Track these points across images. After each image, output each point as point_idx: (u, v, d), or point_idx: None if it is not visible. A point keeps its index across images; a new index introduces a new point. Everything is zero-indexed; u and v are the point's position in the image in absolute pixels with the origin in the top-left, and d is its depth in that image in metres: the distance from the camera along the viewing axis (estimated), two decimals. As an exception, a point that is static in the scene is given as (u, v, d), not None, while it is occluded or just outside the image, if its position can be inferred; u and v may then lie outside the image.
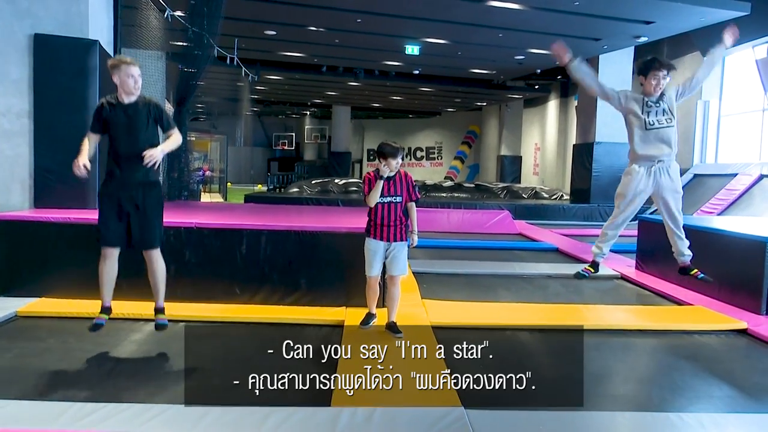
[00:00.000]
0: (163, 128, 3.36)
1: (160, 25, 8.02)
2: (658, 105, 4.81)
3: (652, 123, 4.77)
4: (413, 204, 4.25)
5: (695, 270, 5.07)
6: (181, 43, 8.88)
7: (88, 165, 3.31)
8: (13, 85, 5.48)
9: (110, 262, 3.53)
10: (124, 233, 3.40)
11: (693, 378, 3.74)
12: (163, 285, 3.72)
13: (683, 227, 5.00)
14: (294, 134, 33.52)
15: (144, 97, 3.30)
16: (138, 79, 3.19)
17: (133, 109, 3.22)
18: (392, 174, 4.14)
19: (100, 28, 5.97)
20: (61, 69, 5.51)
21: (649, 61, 4.81)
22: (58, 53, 5.51)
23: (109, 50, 6.29)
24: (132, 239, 3.47)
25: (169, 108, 10.72)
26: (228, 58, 12.84)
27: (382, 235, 4.18)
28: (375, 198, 4.09)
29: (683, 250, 5.04)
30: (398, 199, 4.16)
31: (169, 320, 4.53)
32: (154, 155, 3.19)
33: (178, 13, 7.79)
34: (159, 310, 3.86)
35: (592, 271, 5.38)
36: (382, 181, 4.05)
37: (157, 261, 3.57)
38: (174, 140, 3.41)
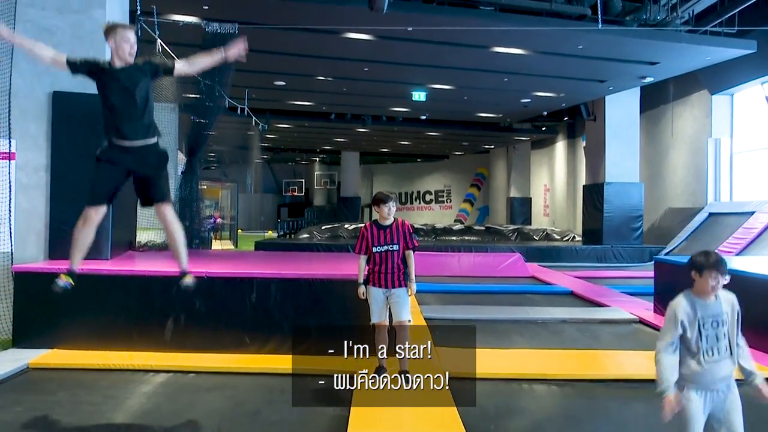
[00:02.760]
0: (168, 70, 3.28)
1: (173, 78, 8.22)
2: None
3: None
4: (411, 252, 4.27)
5: None
6: (193, 95, 9.10)
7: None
8: (31, 140, 5.61)
9: (92, 225, 3.47)
10: (113, 194, 3.36)
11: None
12: (182, 245, 3.64)
13: None
14: (303, 180, 33.85)
15: (138, 61, 3.24)
16: (134, 44, 3.15)
17: (126, 73, 3.19)
18: (389, 222, 4.23)
19: (115, 83, 6.13)
20: (77, 124, 5.63)
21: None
22: (75, 109, 5.64)
23: (124, 104, 6.45)
24: (143, 197, 3.42)
25: (181, 158, 10.90)
26: (239, 108, 13.13)
27: (380, 282, 4.21)
28: (360, 269, 4.31)
29: None
30: (395, 247, 4.20)
31: (177, 371, 4.51)
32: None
33: (191, 66, 8.02)
34: (183, 274, 3.74)
35: None
36: (365, 263, 4.30)
37: (170, 216, 3.52)
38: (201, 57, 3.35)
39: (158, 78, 3.38)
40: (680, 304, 2.91)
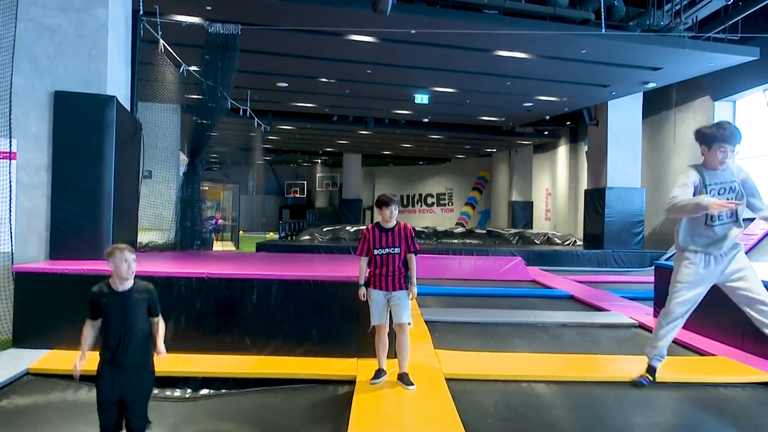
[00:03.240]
0: (153, 314, 3.27)
1: (175, 79, 8.26)
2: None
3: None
4: (413, 255, 4.28)
5: None
6: (195, 96, 9.10)
7: (79, 368, 3.22)
8: (32, 140, 5.61)
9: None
10: (119, 417, 3.29)
11: (718, 433, 3.60)
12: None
13: None
14: (305, 182, 33.88)
15: (139, 283, 3.27)
16: (132, 264, 3.18)
17: (128, 296, 3.20)
18: (391, 225, 4.24)
19: (117, 84, 6.15)
20: (79, 124, 5.65)
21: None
22: (77, 109, 5.66)
23: (127, 105, 6.47)
24: (124, 421, 3.33)
25: (183, 159, 10.91)
26: (241, 110, 13.13)
27: (381, 285, 4.21)
28: (361, 271, 4.31)
29: None
30: (396, 250, 4.21)
31: (177, 373, 4.49)
32: (163, 353, 3.21)
33: (193, 67, 8.02)
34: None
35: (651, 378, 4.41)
36: (366, 265, 4.30)
37: None
38: (162, 328, 3.34)
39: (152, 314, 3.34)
40: (690, 171, 3.02)
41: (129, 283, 3.19)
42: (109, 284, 3.20)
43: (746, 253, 11.78)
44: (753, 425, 3.77)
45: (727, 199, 3.16)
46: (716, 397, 4.27)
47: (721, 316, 5.56)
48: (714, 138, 3.23)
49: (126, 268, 3.14)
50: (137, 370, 3.16)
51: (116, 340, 3.12)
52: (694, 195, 3.12)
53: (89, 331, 3.20)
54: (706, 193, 3.11)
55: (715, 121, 14.09)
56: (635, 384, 4.38)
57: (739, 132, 3.15)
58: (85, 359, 3.15)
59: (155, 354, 3.23)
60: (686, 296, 3.48)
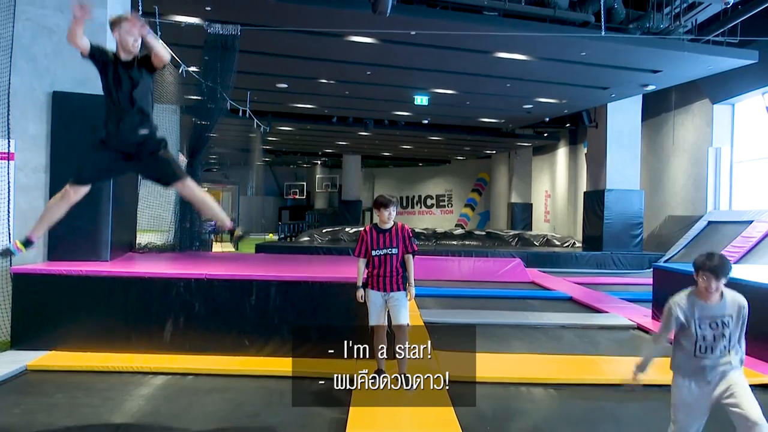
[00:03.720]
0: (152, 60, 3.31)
1: (174, 79, 8.25)
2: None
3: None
4: (410, 256, 4.28)
5: None
6: (195, 97, 9.11)
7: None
8: (30, 141, 5.60)
9: (68, 203, 3.39)
10: (98, 180, 3.38)
11: (717, 435, 3.58)
12: (217, 209, 3.59)
13: None
14: (305, 183, 33.85)
15: (141, 53, 3.33)
16: (138, 37, 3.23)
17: (130, 64, 3.27)
18: (388, 226, 4.24)
19: (117, 84, 6.13)
20: (77, 124, 5.63)
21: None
22: (75, 109, 5.64)
23: (125, 105, 6.44)
24: (159, 180, 3.49)
25: (182, 159, 10.89)
26: (240, 111, 13.13)
27: (379, 286, 4.22)
28: (359, 272, 4.31)
29: None
30: (394, 251, 4.21)
31: (176, 374, 4.49)
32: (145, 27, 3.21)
33: (193, 68, 8.01)
34: (232, 231, 3.70)
35: None
36: (364, 266, 4.30)
37: (191, 191, 3.47)
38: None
39: (156, 70, 3.40)
40: (678, 301, 2.91)
41: (131, 56, 3.25)
42: (115, 54, 3.28)
43: (745, 254, 11.69)
44: (752, 428, 3.75)
45: (704, 337, 2.88)
46: (715, 400, 4.26)
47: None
48: (698, 266, 2.92)
49: (131, 41, 3.20)
50: (144, 137, 3.27)
51: (120, 106, 3.24)
52: (684, 328, 2.98)
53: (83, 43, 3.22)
54: (695, 326, 2.90)
55: (714, 124, 14.15)
56: None
57: (728, 265, 2.90)
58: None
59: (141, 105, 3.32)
60: (683, 422, 3.07)
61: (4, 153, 5.51)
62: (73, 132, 5.62)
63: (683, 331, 2.97)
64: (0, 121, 5.45)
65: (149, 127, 3.38)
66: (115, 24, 3.25)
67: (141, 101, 3.34)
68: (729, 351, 2.94)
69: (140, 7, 6.90)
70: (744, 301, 2.95)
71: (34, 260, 5.54)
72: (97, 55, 3.29)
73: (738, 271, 6.93)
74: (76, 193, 3.40)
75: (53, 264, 5.36)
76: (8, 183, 5.51)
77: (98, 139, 3.37)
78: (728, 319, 2.91)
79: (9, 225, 5.51)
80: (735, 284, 5.75)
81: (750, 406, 2.90)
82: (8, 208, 5.51)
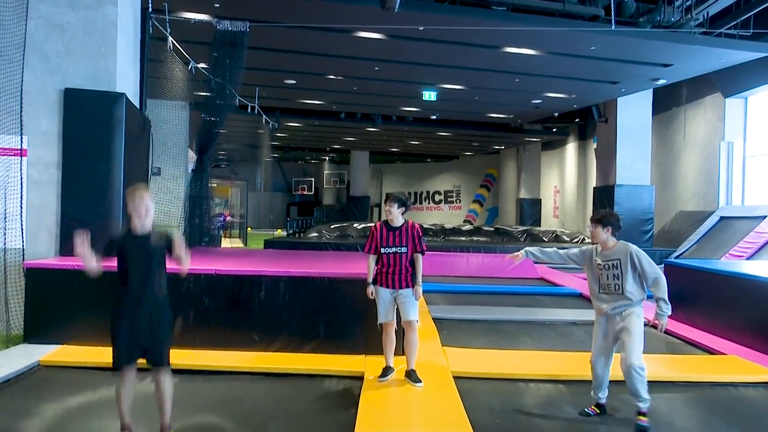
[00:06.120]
0: (172, 250, 3.36)
1: (184, 76, 8.28)
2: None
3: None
4: (419, 255, 4.27)
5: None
6: (204, 93, 9.13)
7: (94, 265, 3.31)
8: (42, 137, 5.64)
9: (128, 383, 3.38)
10: (138, 350, 3.35)
11: (728, 432, 3.57)
12: (170, 403, 3.42)
13: None
14: (313, 179, 33.92)
15: (156, 230, 3.38)
16: (150, 204, 3.29)
17: (146, 239, 3.31)
18: (399, 224, 4.25)
19: (126, 81, 6.17)
20: (89, 121, 5.68)
21: None
22: (87, 106, 5.69)
23: (135, 102, 6.49)
24: (146, 357, 3.39)
25: (191, 156, 10.94)
26: (249, 107, 13.16)
27: (388, 283, 4.23)
28: (369, 268, 4.34)
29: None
30: (403, 249, 4.22)
31: (187, 370, 4.51)
32: (182, 245, 3.31)
33: (202, 65, 8.03)
34: (165, 428, 3.46)
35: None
36: (374, 263, 4.32)
37: (166, 380, 3.38)
38: (183, 243, 3.39)
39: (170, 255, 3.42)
40: (586, 247, 3.90)
41: (147, 226, 3.30)
42: (128, 229, 3.34)
43: (758, 250, 11.55)
44: (765, 427, 3.74)
45: (601, 278, 3.78)
46: (726, 397, 4.24)
47: (731, 314, 5.52)
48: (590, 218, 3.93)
49: (144, 209, 3.25)
50: (154, 308, 3.28)
51: (134, 279, 3.27)
52: (589, 270, 3.90)
53: (95, 258, 3.30)
54: (595, 269, 3.81)
55: (726, 118, 13.98)
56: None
57: (611, 217, 3.82)
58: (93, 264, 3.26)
59: (180, 268, 3.37)
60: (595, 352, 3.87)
61: (17, 149, 5.56)
62: (84, 128, 5.67)
63: (590, 275, 3.84)
64: (13, 117, 5.50)
65: (162, 296, 3.36)
66: (129, 195, 3.30)
67: (155, 271, 3.32)
68: (623, 291, 3.65)
69: (150, 5, 6.93)
70: (633, 247, 3.69)
71: (46, 255, 5.60)
72: (115, 252, 3.35)
73: (752, 268, 6.87)
74: (130, 371, 3.39)
75: (65, 259, 5.40)
76: (21, 179, 5.56)
77: (115, 315, 3.38)
78: (617, 262, 3.66)
79: (21, 221, 5.56)
80: (750, 281, 5.74)
81: (631, 342, 3.55)
82: (21, 204, 5.56)
